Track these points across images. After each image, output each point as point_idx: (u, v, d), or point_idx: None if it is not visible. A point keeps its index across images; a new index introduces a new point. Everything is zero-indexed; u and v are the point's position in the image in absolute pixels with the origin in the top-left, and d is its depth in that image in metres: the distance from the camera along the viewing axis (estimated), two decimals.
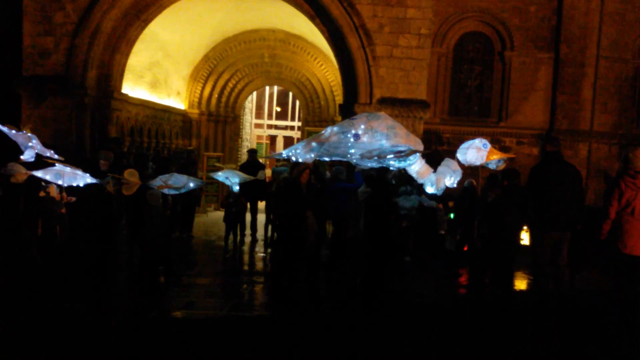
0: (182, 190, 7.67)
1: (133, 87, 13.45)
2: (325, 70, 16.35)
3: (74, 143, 11.13)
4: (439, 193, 7.48)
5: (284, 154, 7.15)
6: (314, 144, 6.58)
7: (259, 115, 22.28)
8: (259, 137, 22.07)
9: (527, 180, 7.26)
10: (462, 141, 13.80)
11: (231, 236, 10.46)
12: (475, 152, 7.24)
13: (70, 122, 11.15)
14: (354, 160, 6.98)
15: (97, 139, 11.52)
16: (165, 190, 7.51)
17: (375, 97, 11.08)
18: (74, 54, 11.12)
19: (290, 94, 19.65)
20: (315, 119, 16.82)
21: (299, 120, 20.33)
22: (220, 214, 14.87)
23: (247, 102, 18.21)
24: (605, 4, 13.53)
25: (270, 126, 22.15)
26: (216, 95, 16.68)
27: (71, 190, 7.82)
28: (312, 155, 6.72)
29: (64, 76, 11.10)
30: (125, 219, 9.18)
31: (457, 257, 9.51)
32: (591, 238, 6.92)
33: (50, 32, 11.18)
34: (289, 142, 22.47)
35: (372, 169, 7.59)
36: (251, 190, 10.23)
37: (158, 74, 14.82)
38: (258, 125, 21.73)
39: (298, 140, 19.93)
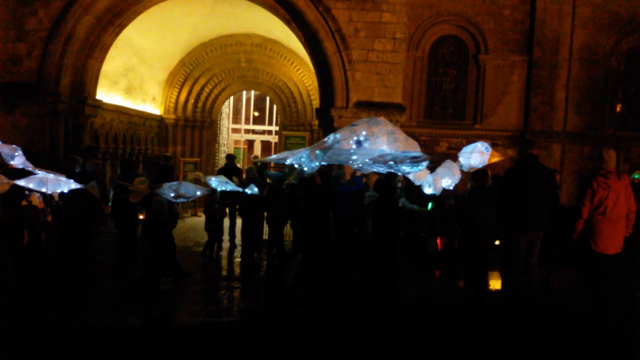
0: (190, 199, 7.67)
1: (107, 93, 13.32)
2: (302, 74, 16.37)
3: (47, 150, 10.98)
4: (438, 193, 7.61)
5: (289, 161, 7.24)
6: (317, 152, 6.70)
7: (236, 120, 22.18)
8: (237, 142, 21.96)
9: (502, 182, 7.36)
10: (438, 144, 13.98)
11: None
12: (479, 155, 7.44)
13: (43, 129, 11.00)
14: (356, 166, 7.09)
15: (71, 145, 11.38)
16: (175, 199, 7.51)
17: (352, 101, 11.12)
18: (47, 60, 10.97)
19: (268, 98, 19.62)
20: (292, 124, 16.83)
21: (276, 124, 20.28)
22: (197, 219, 14.83)
23: (224, 107, 18.14)
24: (577, 8, 13.76)
25: (247, 131, 22.05)
26: (192, 101, 16.61)
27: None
28: (317, 164, 6.84)
29: (36, 83, 10.95)
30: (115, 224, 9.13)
31: (440, 258, 9.60)
32: (564, 237, 7.03)
33: (22, 39, 11.02)
34: (266, 146, 22.40)
35: (379, 174, 7.66)
36: (231, 197, 10.20)
37: (133, 79, 14.70)
38: (235, 130, 21.64)
39: (276, 144, 19.92)
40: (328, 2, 10.99)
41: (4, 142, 10.59)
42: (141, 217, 8.25)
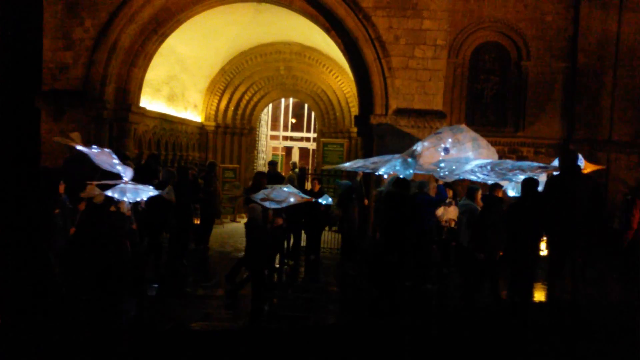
0: (284, 205, 7.70)
1: (151, 101, 13.59)
2: (340, 81, 16.39)
3: None
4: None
5: (383, 170, 7.32)
6: (410, 160, 6.81)
7: (274, 127, 22.33)
8: (275, 148, 22.10)
9: (544, 191, 7.19)
10: None
11: None
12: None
13: (89, 135, 11.26)
14: (442, 174, 7.14)
15: (115, 151, 11.61)
16: (267, 204, 7.53)
17: (391, 108, 11.07)
18: (92, 68, 11.27)
19: (306, 105, 19.69)
20: (330, 130, 16.85)
21: (314, 131, 20.33)
22: (235, 225, 14.95)
23: (262, 114, 18.28)
24: (623, 13, 13.43)
25: (285, 138, 22.17)
26: (232, 108, 16.80)
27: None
28: (412, 171, 6.96)
29: (82, 90, 11.25)
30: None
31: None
32: (612, 248, 6.86)
33: (69, 47, 11.35)
34: (304, 153, 22.46)
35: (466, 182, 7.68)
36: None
37: (175, 87, 14.96)
38: (273, 137, 21.78)
39: (314, 151, 19.96)
40: (368, 9, 10.99)
41: (52, 147, 10.99)
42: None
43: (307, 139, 21.83)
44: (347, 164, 9.39)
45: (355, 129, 13.52)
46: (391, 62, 11.05)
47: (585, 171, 7.36)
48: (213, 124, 16.66)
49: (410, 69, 11.06)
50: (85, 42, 11.29)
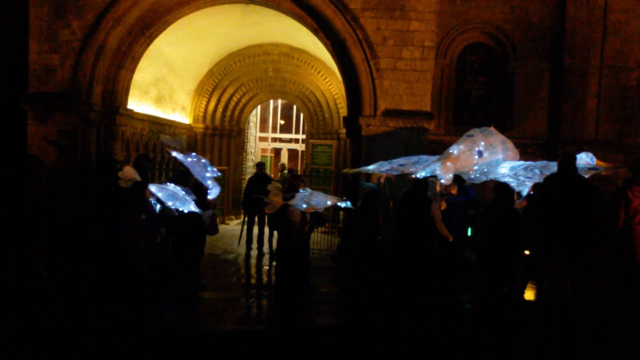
0: (321, 210, 7.69)
1: (138, 103, 13.53)
2: (328, 83, 16.41)
3: (79, 159, 11.17)
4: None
5: (422, 174, 7.38)
6: (449, 164, 6.90)
7: (263, 128, 22.34)
8: (264, 150, 22.11)
9: (539, 191, 7.23)
10: None
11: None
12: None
13: (76, 138, 11.19)
14: (473, 176, 7.24)
15: (103, 154, 11.57)
16: (303, 206, 7.38)
17: (379, 109, 11.10)
18: (79, 70, 11.19)
19: (294, 107, 19.71)
20: (319, 132, 16.86)
21: (303, 133, 20.36)
22: (225, 227, 14.91)
23: (251, 116, 18.27)
24: (608, 14, 13.56)
25: (274, 139, 22.20)
26: (221, 110, 16.77)
27: None
28: (451, 176, 7.07)
29: (69, 93, 11.16)
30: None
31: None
32: (599, 247, 6.91)
33: (55, 50, 11.26)
34: (293, 155, 22.50)
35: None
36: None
37: (163, 89, 14.91)
38: (262, 139, 21.79)
39: (302, 153, 19.98)
40: (356, 11, 11.01)
41: (38, 150, 10.91)
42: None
43: (296, 141, 21.87)
44: (371, 167, 9.35)
45: (344, 130, 13.55)
46: (379, 63, 11.08)
47: (597, 169, 7.49)
48: (201, 125, 16.62)
49: (399, 70, 11.09)
50: (72, 44, 11.21)
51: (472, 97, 14.23)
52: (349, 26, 11.02)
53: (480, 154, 6.95)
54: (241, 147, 17.54)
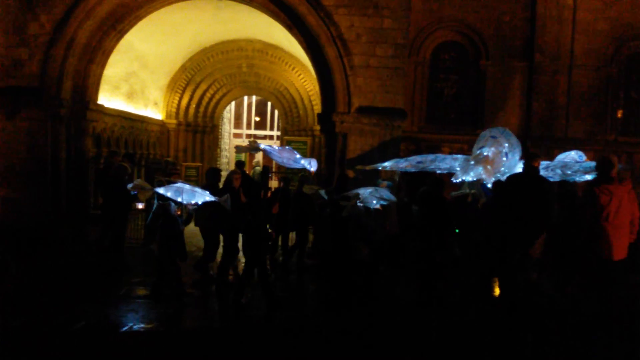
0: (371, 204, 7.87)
1: (109, 98, 13.34)
2: (303, 79, 16.40)
3: (49, 155, 10.98)
4: None
5: (468, 179, 7.47)
6: (489, 167, 7.02)
7: (237, 125, 22.23)
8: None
9: (505, 189, 7.34)
10: (439, 149, 13.97)
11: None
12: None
13: (45, 134, 10.99)
14: (498, 175, 7.33)
15: (73, 150, 11.38)
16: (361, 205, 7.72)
17: (353, 106, 11.12)
18: (48, 65, 10.98)
19: (269, 103, 19.66)
20: (294, 128, 16.85)
21: (278, 129, 20.32)
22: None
23: (225, 112, 18.18)
24: (577, 14, 13.79)
25: (249, 136, 22.09)
26: (194, 106, 16.64)
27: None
28: (496, 177, 7.22)
29: (38, 87, 10.95)
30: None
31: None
32: (570, 245, 7.04)
33: (24, 43, 11.02)
34: None
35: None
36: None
37: (135, 84, 14.72)
38: (237, 135, 21.69)
39: None
40: (329, 7, 11.00)
41: (6, 146, 10.70)
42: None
43: (271, 137, 21.82)
44: (387, 163, 9.34)
45: (318, 127, 13.55)
46: (353, 61, 11.10)
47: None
48: (174, 121, 16.47)
49: (372, 67, 11.13)
50: (41, 38, 10.99)
51: (445, 95, 14.35)
52: (323, 23, 11.02)
53: (506, 155, 7.17)
54: (215, 143, 17.44)
